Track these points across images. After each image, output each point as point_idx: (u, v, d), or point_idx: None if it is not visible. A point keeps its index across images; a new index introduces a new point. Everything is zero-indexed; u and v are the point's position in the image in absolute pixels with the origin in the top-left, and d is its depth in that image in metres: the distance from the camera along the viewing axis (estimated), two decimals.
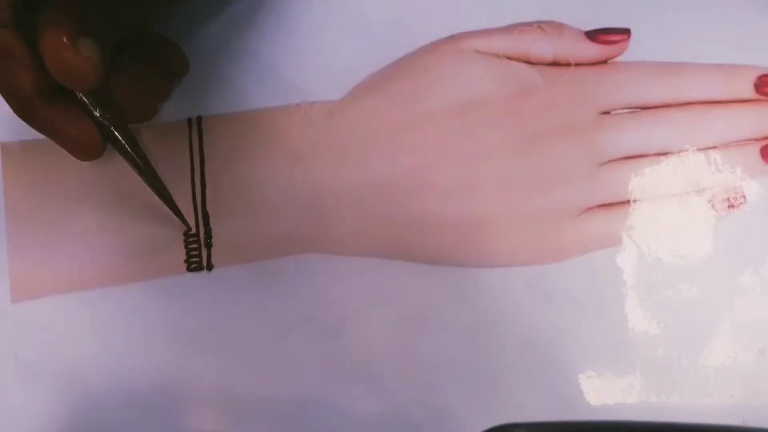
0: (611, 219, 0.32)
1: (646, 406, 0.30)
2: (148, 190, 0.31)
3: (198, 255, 0.32)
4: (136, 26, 0.30)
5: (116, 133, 0.29)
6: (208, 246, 0.32)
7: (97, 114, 0.28)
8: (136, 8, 0.29)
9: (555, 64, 0.33)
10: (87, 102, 0.28)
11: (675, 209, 0.32)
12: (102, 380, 0.31)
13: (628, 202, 0.32)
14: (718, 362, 0.31)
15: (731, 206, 0.32)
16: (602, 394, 0.30)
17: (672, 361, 0.31)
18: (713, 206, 0.32)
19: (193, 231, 0.32)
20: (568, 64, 0.33)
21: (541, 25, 0.33)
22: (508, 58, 0.33)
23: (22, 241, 0.32)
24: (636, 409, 0.30)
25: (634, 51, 0.33)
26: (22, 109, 0.27)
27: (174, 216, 0.31)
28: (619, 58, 0.33)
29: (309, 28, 0.33)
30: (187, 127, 0.33)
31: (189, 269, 0.32)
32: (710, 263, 0.31)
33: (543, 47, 0.33)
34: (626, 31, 0.33)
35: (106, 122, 0.29)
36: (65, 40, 0.25)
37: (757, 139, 0.32)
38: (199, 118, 0.33)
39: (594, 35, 0.33)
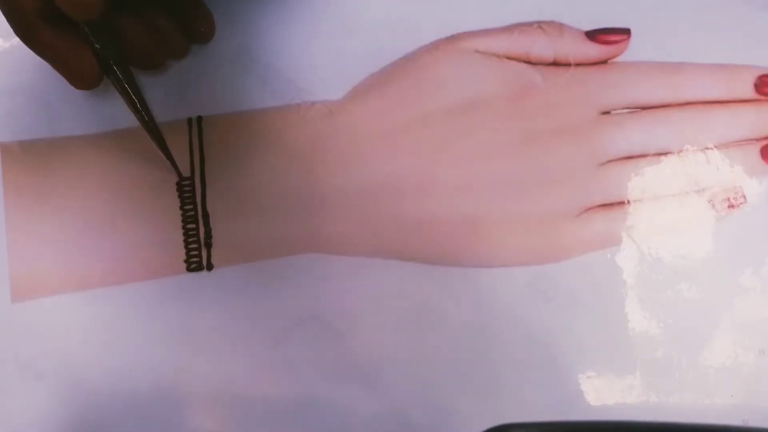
0: (611, 219, 0.32)
1: (646, 406, 0.30)
2: (149, 190, 0.31)
3: (198, 255, 0.32)
4: None
5: (115, 68, 0.29)
6: (208, 246, 0.32)
7: (96, 46, 0.29)
8: None
9: (555, 64, 0.33)
10: (87, 32, 0.28)
11: (675, 209, 0.32)
12: (102, 380, 0.31)
13: (628, 202, 0.32)
14: (718, 362, 0.31)
15: (731, 206, 0.32)
16: (602, 394, 0.30)
17: (672, 361, 0.31)
18: (713, 206, 0.32)
19: (186, 176, 0.32)
20: (568, 64, 0.33)
21: (541, 25, 0.33)
22: (508, 58, 0.33)
23: (22, 241, 0.32)
24: (636, 409, 0.30)
25: (634, 51, 0.33)
26: (22, 28, 0.27)
27: (173, 216, 0.31)
28: (619, 58, 0.33)
29: (309, 28, 0.33)
30: (186, 127, 0.33)
31: (189, 269, 0.32)
32: (710, 263, 0.31)
33: (543, 47, 0.33)
34: (626, 31, 0.33)
35: (104, 56, 0.29)
36: None
37: (757, 139, 0.32)
38: (199, 118, 0.33)
39: (594, 35, 0.33)
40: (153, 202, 0.32)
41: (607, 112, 0.33)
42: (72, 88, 0.30)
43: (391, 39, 0.33)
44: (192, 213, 0.32)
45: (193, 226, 0.32)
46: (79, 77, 0.29)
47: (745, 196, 0.32)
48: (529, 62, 0.33)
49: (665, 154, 0.32)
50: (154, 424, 0.31)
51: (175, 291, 0.32)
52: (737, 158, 0.32)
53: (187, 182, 0.32)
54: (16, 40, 0.28)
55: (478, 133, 0.32)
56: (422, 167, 0.32)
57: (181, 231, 0.32)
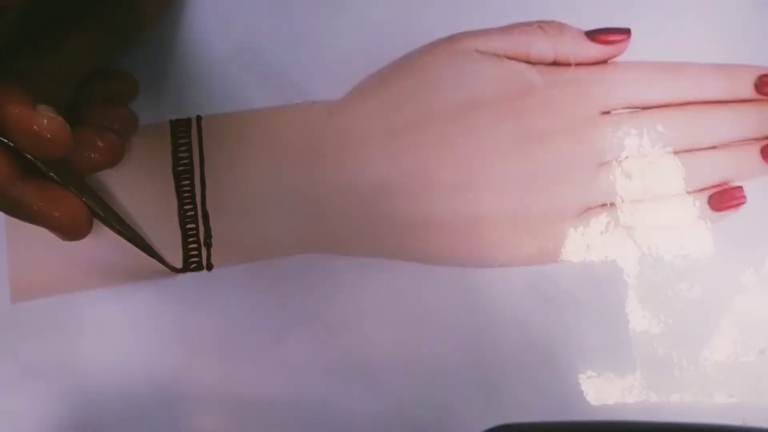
0: (611, 219, 0.32)
1: (646, 405, 0.30)
2: (149, 190, 0.31)
3: (198, 255, 0.32)
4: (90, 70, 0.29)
5: (92, 203, 0.28)
6: (208, 246, 0.32)
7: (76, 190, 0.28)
8: (90, 62, 0.29)
9: (555, 64, 0.33)
10: (59, 180, 0.27)
11: (675, 209, 0.32)
12: (102, 380, 0.31)
13: (629, 202, 0.32)
14: (718, 362, 0.31)
15: (731, 206, 0.32)
16: (602, 394, 0.30)
17: (672, 360, 0.31)
18: (714, 206, 0.32)
19: (178, 267, 0.32)
20: (568, 64, 0.33)
21: (541, 25, 0.33)
22: (508, 58, 0.33)
23: (22, 241, 0.32)
24: (636, 409, 0.30)
25: (634, 51, 0.33)
26: (2, 203, 0.26)
27: (172, 220, 0.31)
28: (619, 58, 0.33)
29: (309, 28, 0.33)
30: (169, 127, 0.33)
31: (189, 269, 0.32)
32: (710, 263, 0.31)
33: (543, 47, 0.33)
34: (626, 31, 0.33)
35: (89, 198, 0.28)
36: (26, 105, 0.25)
37: (757, 139, 0.32)
38: (199, 118, 0.33)
39: (594, 35, 0.33)
40: (153, 201, 0.32)
41: (607, 112, 0.33)
42: None
43: (391, 39, 0.33)
44: (192, 213, 0.32)
45: (192, 226, 0.32)
46: (74, 228, 0.28)
47: (745, 196, 0.32)
48: (529, 62, 0.33)
49: (665, 154, 0.32)
50: (153, 424, 0.31)
51: (175, 291, 0.32)
52: (737, 158, 0.32)
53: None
54: None
55: (478, 132, 0.32)
56: (422, 167, 0.32)
57: (181, 231, 0.32)
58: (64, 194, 0.27)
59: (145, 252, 0.30)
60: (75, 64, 0.28)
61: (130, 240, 0.30)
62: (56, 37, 0.27)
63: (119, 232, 0.29)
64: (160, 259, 0.31)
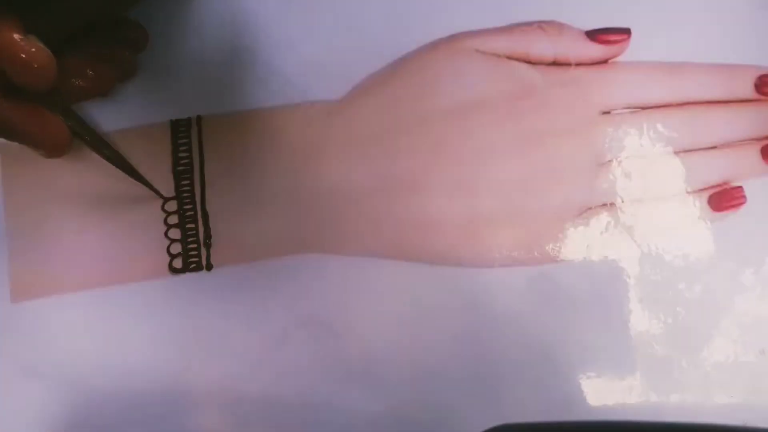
0: (611, 219, 0.32)
1: (646, 406, 0.30)
2: (148, 190, 0.31)
3: (198, 255, 0.32)
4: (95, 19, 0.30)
5: (81, 127, 0.29)
6: (208, 246, 0.32)
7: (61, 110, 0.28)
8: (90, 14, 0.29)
9: (555, 64, 0.33)
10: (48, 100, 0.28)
11: (675, 209, 0.32)
12: (102, 380, 0.31)
13: (629, 202, 0.32)
14: (718, 362, 0.31)
15: (731, 206, 0.32)
16: (602, 394, 0.30)
17: (672, 360, 0.31)
18: (713, 206, 0.32)
19: (166, 196, 0.32)
20: (568, 64, 0.33)
21: (541, 25, 0.33)
22: (508, 58, 0.33)
23: (22, 241, 0.32)
24: (636, 409, 0.30)
25: (634, 51, 0.33)
26: None
27: (173, 216, 0.31)
28: (619, 58, 0.33)
29: (309, 27, 0.33)
30: (169, 127, 0.33)
31: (189, 269, 0.32)
32: (710, 263, 0.31)
33: (543, 47, 0.33)
34: (626, 31, 0.33)
35: (71, 118, 0.29)
36: (16, 34, 0.25)
37: (757, 139, 0.32)
38: (199, 118, 0.33)
39: (594, 35, 0.33)
40: (153, 201, 0.32)
41: (607, 112, 0.33)
42: None
43: (391, 39, 0.33)
44: (192, 213, 0.32)
45: (192, 226, 0.32)
46: (53, 146, 0.29)
47: (745, 196, 0.32)
48: (529, 62, 0.33)
49: (665, 154, 0.32)
50: (154, 424, 0.31)
51: (175, 291, 0.32)
52: (737, 158, 0.32)
53: (193, 238, 0.32)
54: None
55: (478, 132, 0.32)
56: (422, 167, 0.32)
57: (181, 231, 0.32)
58: (47, 114, 0.28)
59: (133, 177, 0.31)
60: (77, 8, 0.28)
61: (116, 165, 0.30)
62: None
63: (107, 157, 0.30)
64: (149, 185, 0.31)
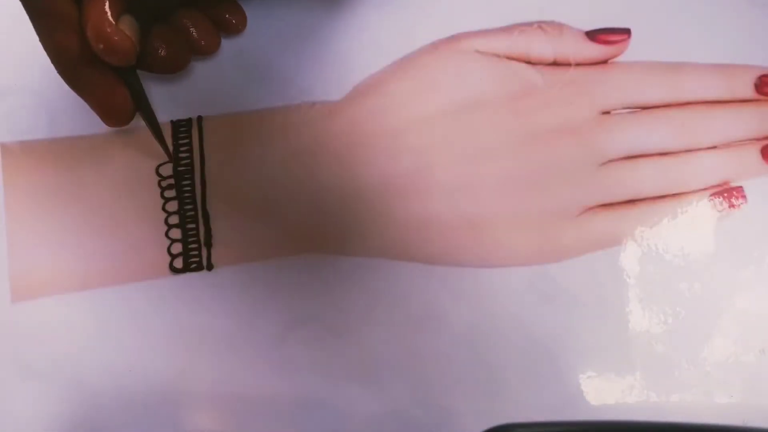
0: (611, 219, 0.32)
1: (646, 405, 0.30)
2: (148, 191, 0.31)
3: (198, 255, 0.32)
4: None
5: (144, 106, 0.30)
6: (208, 246, 0.32)
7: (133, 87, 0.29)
8: None
9: (555, 64, 0.33)
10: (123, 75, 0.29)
11: (675, 209, 0.32)
12: (102, 380, 0.31)
13: (629, 201, 0.32)
14: (718, 362, 0.31)
15: (732, 206, 0.32)
16: (602, 393, 0.30)
17: (672, 360, 0.31)
18: (714, 206, 0.32)
19: (169, 161, 0.32)
20: (568, 64, 0.33)
21: (541, 25, 0.33)
22: (508, 58, 0.33)
23: (22, 241, 0.32)
24: (636, 409, 0.30)
25: (634, 51, 0.33)
26: (66, 71, 0.28)
27: (174, 216, 0.31)
28: (619, 58, 0.33)
29: (309, 28, 0.33)
30: (170, 127, 0.33)
31: (189, 269, 0.32)
32: (711, 263, 0.31)
33: (543, 47, 0.33)
34: (626, 31, 0.33)
35: (138, 94, 0.29)
36: (109, 15, 0.26)
37: (757, 139, 0.32)
38: (199, 118, 0.33)
39: (594, 35, 0.33)
40: (153, 201, 0.32)
41: (607, 112, 0.33)
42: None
43: (391, 39, 0.33)
44: (192, 213, 0.32)
45: (193, 226, 0.32)
46: (116, 115, 0.29)
47: (745, 196, 0.32)
48: (529, 62, 0.33)
49: (665, 154, 0.32)
50: (154, 424, 0.31)
51: (175, 291, 0.32)
52: (737, 158, 0.32)
53: (194, 238, 0.32)
54: (15, 40, 0.28)
55: (478, 133, 0.32)
56: (422, 167, 0.32)
57: (181, 231, 0.32)
58: (118, 85, 0.28)
59: (161, 143, 0.31)
60: None
61: (153, 132, 0.31)
62: None
63: (148, 123, 0.31)
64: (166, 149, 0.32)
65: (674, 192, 0.32)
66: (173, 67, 0.30)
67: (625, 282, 0.31)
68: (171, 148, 0.32)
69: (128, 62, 0.27)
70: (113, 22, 0.26)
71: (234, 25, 0.32)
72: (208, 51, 0.32)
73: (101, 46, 0.26)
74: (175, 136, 0.33)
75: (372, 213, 0.32)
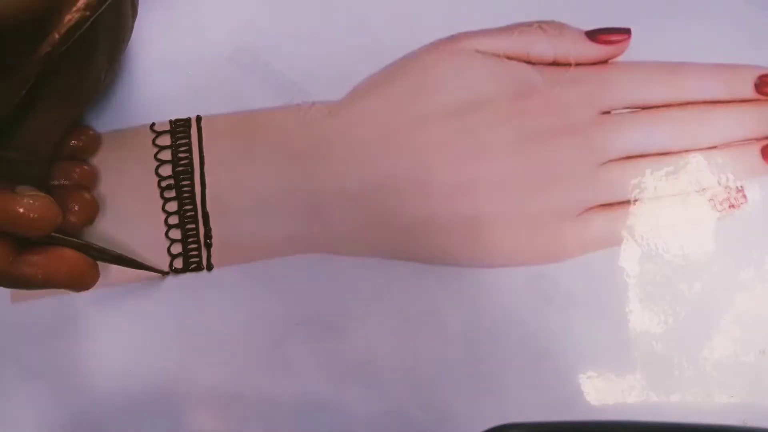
0: (611, 219, 0.32)
1: (646, 405, 0.30)
2: (148, 191, 0.31)
3: (198, 255, 0.32)
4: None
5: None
6: (208, 246, 0.32)
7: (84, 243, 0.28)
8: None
9: (555, 64, 0.33)
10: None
11: (675, 209, 0.32)
12: (102, 380, 0.31)
13: (629, 201, 0.32)
14: (718, 362, 0.31)
15: (732, 206, 0.32)
16: (602, 393, 0.30)
17: (672, 360, 0.31)
18: (714, 206, 0.32)
19: (166, 271, 0.32)
20: (568, 64, 0.33)
21: (541, 25, 0.33)
22: (508, 58, 0.33)
23: None
24: (636, 409, 0.30)
25: (634, 51, 0.33)
26: (8, 281, 0.26)
27: (173, 216, 0.31)
28: (619, 58, 0.33)
29: (309, 28, 0.33)
30: (169, 127, 0.33)
31: (189, 269, 0.32)
32: (711, 263, 0.31)
33: (543, 47, 0.33)
34: (626, 31, 0.33)
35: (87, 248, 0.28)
36: (7, 193, 0.25)
37: (757, 139, 0.32)
38: (199, 118, 0.33)
39: (594, 35, 0.33)
40: (153, 201, 0.32)
41: (607, 112, 0.33)
42: None
43: (391, 39, 0.33)
44: (192, 213, 0.32)
45: (192, 226, 0.32)
46: (83, 279, 0.28)
47: (745, 196, 0.32)
48: (529, 62, 0.33)
49: (665, 154, 0.32)
50: (153, 424, 0.31)
51: (175, 291, 0.32)
52: (738, 158, 0.32)
53: (194, 238, 0.32)
54: None
55: (478, 133, 0.32)
56: (422, 167, 0.32)
57: (181, 231, 0.32)
58: (62, 252, 0.27)
59: (134, 267, 0.31)
60: (43, 140, 0.28)
61: (119, 261, 0.30)
62: (21, 119, 0.27)
63: (109, 261, 0.30)
64: (150, 268, 0.31)
65: (674, 192, 0.32)
66: (91, 220, 0.31)
67: (625, 282, 0.31)
68: (170, 147, 0.32)
69: (55, 217, 0.25)
70: (13, 190, 0.25)
71: (92, 148, 0.32)
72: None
73: (17, 219, 0.25)
74: (174, 136, 0.33)
75: (371, 213, 0.32)
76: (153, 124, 0.33)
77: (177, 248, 0.32)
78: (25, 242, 0.26)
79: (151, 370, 0.31)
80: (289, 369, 0.31)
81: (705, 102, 0.33)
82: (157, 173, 0.32)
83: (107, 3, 0.24)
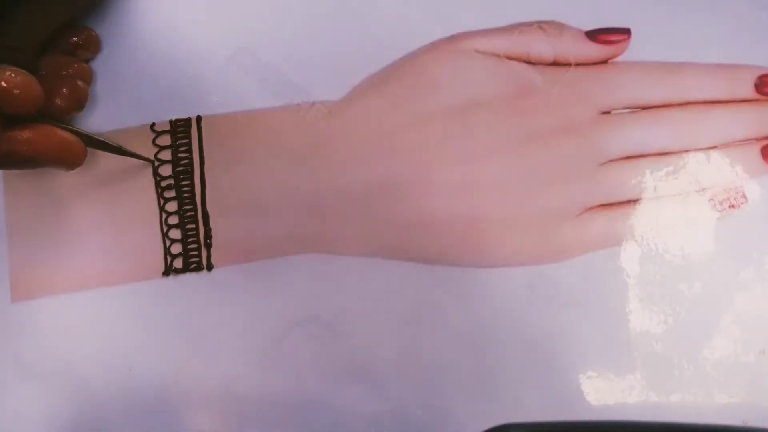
0: (611, 219, 0.32)
1: (646, 405, 0.30)
2: (148, 191, 0.31)
3: (198, 255, 0.32)
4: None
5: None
6: (208, 246, 0.32)
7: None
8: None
9: (555, 64, 0.33)
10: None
11: (675, 209, 0.32)
12: (102, 380, 0.31)
13: (629, 201, 0.32)
14: (718, 362, 0.31)
15: (732, 206, 0.32)
16: (602, 394, 0.30)
17: (672, 360, 0.31)
18: (714, 206, 0.32)
19: (155, 163, 0.32)
20: (568, 64, 0.33)
21: (541, 25, 0.33)
22: (508, 58, 0.33)
23: (22, 241, 0.32)
24: (636, 409, 0.30)
25: (634, 51, 0.33)
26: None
27: (173, 216, 0.31)
28: (619, 58, 0.33)
29: (309, 28, 0.33)
30: (169, 127, 0.33)
31: (189, 269, 0.32)
32: (711, 263, 0.31)
33: (543, 47, 0.33)
34: (626, 31, 0.33)
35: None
36: None
37: (757, 139, 0.32)
38: (199, 118, 0.33)
39: (594, 35, 0.33)
40: (153, 202, 0.32)
41: (607, 112, 0.33)
42: None
43: (391, 39, 0.33)
44: (192, 213, 0.32)
45: (192, 226, 0.32)
46: (72, 155, 0.29)
47: (745, 196, 0.32)
48: (529, 62, 0.33)
49: (665, 154, 0.32)
50: (154, 424, 0.31)
51: (175, 291, 0.32)
52: (737, 158, 0.32)
53: (193, 238, 0.32)
54: None
55: (478, 133, 0.32)
56: (422, 167, 0.32)
57: (181, 231, 0.32)
58: (50, 129, 0.28)
59: (120, 153, 0.31)
60: (29, 34, 0.29)
61: (109, 149, 0.31)
62: (5, 11, 0.28)
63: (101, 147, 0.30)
64: (137, 156, 0.31)
65: (674, 192, 0.32)
66: (80, 105, 0.31)
67: (625, 282, 0.31)
68: (170, 147, 0.32)
69: (37, 95, 0.26)
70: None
71: (90, 48, 0.32)
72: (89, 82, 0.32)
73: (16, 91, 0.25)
74: (174, 136, 0.33)
75: (372, 213, 0.32)
76: (153, 124, 0.33)
77: (177, 248, 0.32)
78: (13, 122, 0.27)
79: (151, 369, 0.31)
80: (289, 369, 0.31)
81: (705, 102, 0.33)
82: (157, 173, 0.32)
83: None
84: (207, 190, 0.32)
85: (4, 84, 0.26)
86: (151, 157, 0.32)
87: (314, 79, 0.33)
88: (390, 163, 0.32)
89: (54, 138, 0.28)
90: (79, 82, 0.30)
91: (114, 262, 0.32)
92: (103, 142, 0.30)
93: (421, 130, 0.32)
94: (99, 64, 0.33)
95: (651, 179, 0.32)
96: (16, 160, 0.28)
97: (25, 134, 0.27)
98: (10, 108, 0.26)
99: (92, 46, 0.32)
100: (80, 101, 0.31)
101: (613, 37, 0.33)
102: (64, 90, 0.30)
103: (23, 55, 0.28)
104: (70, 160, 0.29)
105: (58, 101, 0.29)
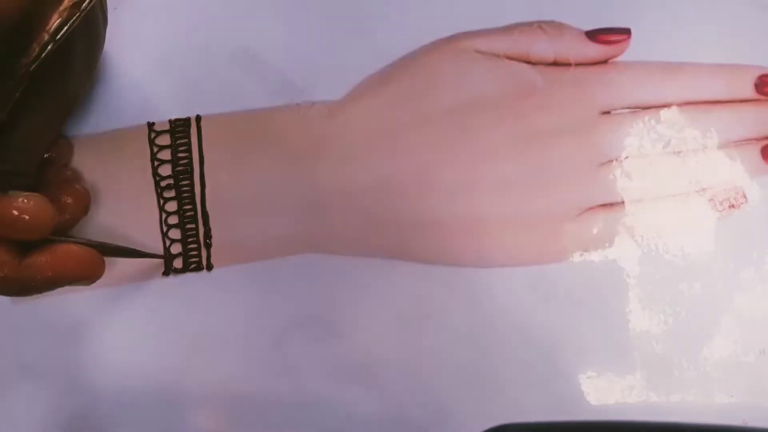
0: (611, 219, 0.32)
1: (646, 405, 0.30)
2: (147, 189, 0.31)
3: (198, 255, 0.32)
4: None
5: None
6: (208, 246, 0.32)
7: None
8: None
9: (555, 64, 0.33)
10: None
11: (675, 209, 0.32)
12: (102, 380, 0.31)
13: (629, 202, 0.32)
14: (718, 362, 0.31)
15: (732, 206, 0.32)
16: (602, 394, 0.30)
17: (672, 360, 0.31)
18: (714, 206, 0.32)
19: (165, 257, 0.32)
20: (568, 64, 0.33)
21: (541, 25, 0.33)
22: (508, 58, 0.33)
23: None
24: (636, 409, 0.30)
25: (634, 51, 0.33)
26: (17, 286, 0.26)
27: (173, 216, 0.31)
28: (619, 58, 0.33)
29: (309, 28, 0.33)
30: (169, 127, 0.33)
31: (189, 269, 0.32)
32: (711, 263, 0.31)
33: (543, 47, 0.33)
34: (626, 31, 0.33)
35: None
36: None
37: (757, 139, 0.32)
38: (199, 118, 0.33)
39: (594, 35, 0.33)
40: (152, 201, 0.32)
41: (607, 112, 0.33)
42: None
43: (391, 39, 0.33)
44: (191, 213, 0.32)
45: (192, 226, 0.32)
46: (93, 271, 0.28)
47: (745, 196, 0.32)
48: (529, 62, 0.33)
49: (665, 154, 0.32)
50: (153, 424, 0.31)
51: (175, 291, 0.32)
52: (737, 158, 0.32)
53: (193, 238, 0.32)
54: None
55: (478, 133, 0.32)
56: (422, 167, 0.32)
57: (181, 231, 0.32)
58: (66, 248, 0.27)
59: (133, 256, 0.30)
60: (29, 153, 0.28)
61: (119, 253, 0.30)
62: (5, 135, 0.26)
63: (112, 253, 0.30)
64: (149, 255, 0.31)
65: (674, 192, 0.32)
66: (86, 210, 0.30)
67: (625, 282, 0.31)
68: (170, 147, 0.32)
69: (52, 218, 0.25)
70: (5, 194, 0.25)
71: (66, 156, 0.32)
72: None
73: (14, 222, 0.24)
74: (174, 136, 0.33)
75: (371, 213, 0.32)
76: (152, 123, 0.33)
77: (177, 248, 0.32)
78: (28, 248, 0.26)
79: (150, 369, 0.31)
80: (288, 369, 0.31)
81: (705, 102, 0.33)
82: (156, 173, 0.32)
83: (93, 2, 0.24)
84: (206, 190, 0.32)
85: (16, 212, 0.25)
86: (161, 253, 0.31)
87: (314, 79, 0.33)
88: (390, 163, 0.32)
89: (72, 256, 0.27)
90: (77, 186, 0.30)
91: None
92: (117, 247, 0.30)
93: (421, 130, 0.32)
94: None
95: (651, 179, 0.32)
96: (38, 287, 0.26)
97: (44, 258, 0.26)
98: (27, 235, 0.25)
99: (68, 154, 0.32)
100: (86, 207, 0.30)
101: (613, 37, 0.33)
102: (69, 200, 0.29)
103: (24, 178, 0.27)
104: (93, 276, 0.28)
105: (66, 216, 0.29)
